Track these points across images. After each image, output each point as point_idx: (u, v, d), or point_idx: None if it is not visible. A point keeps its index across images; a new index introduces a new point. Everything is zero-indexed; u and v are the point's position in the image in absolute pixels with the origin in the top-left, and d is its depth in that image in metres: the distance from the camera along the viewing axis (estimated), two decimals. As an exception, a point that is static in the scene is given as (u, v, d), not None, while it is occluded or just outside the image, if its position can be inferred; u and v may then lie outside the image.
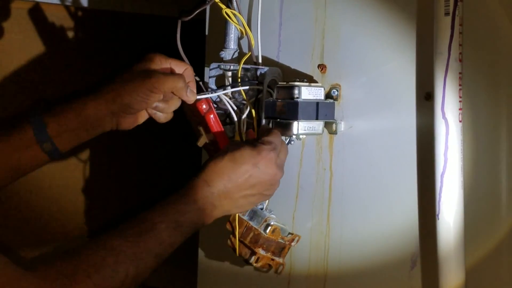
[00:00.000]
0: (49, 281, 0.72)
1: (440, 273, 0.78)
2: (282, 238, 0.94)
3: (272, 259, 0.94)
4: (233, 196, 0.86)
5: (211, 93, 0.94)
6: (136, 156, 1.60)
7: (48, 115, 0.88)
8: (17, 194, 1.34)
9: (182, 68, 0.91)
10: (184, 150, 1.23)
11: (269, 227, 0.93)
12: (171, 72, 0.90)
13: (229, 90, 0.93)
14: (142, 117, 0.93)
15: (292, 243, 0.95)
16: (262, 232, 0.93)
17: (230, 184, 0.85)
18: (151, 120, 0.94)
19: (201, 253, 1.12)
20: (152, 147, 1.62)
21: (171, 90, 0.88)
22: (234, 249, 0.96)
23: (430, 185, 0.80)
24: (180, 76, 0.89)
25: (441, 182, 0.77)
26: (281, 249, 0.94)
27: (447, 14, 0.76)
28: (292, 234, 0.96)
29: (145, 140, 1.56)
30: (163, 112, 0.92)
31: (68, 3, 1.42)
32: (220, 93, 0.93)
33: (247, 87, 0.92)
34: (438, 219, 0.78)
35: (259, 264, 0.94)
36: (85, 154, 1.47)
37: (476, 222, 0.81)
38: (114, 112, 0.89)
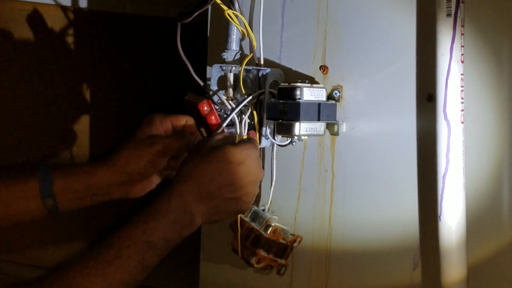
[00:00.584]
0: None
1: (442, 274, 0.78)
2: (284, 239, 0.94)
3: (274, 260, 0.94)
4: (213, 200, 0.78)
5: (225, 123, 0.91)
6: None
7: (56, 172, 0.88)
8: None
9: (182, 121, 0.92)
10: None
11: (270, 228, 0.93)
12: (173, 128, 0.92)
13: (238, 108, 0.91)
14: (154, 182, 0.93)
15: (294, 244, 0.95)
16: (263, 233, 0.93)
17: (212, 187, 0.77)
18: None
19: (203, 255, 1.12)
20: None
21: (178, 150, 0.89)
22: (237, 251, 0.96)
23: (432, 186, 0.80)
24: (182, 136, 0.90)
25: (443, 183, 0.77)
26: (283, 250, 0.94)
27: (449, 15, 0.76)
28: (293, 235, 0.96)
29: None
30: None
31: (68, 5, 1.42)
32: (232, 114, 0.91)
33: (251, 97, 0.92)
34: (440, 220, 0.78)
35: (260, 265, 0.94)
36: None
37: (478, 223, 0.81)
38: (124, 181, 0.89)
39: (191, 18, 0.92)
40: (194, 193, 0.77)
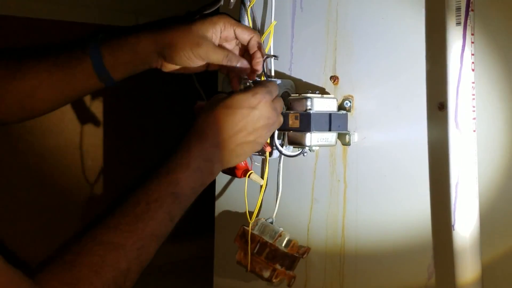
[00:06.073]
0: None
1: (457, 283, 0.77)
2: (297, 252, 0.94)
3: (286, 273, 0.94)
4: (230, 146, 0.82)
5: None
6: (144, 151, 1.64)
7: (105, 48, 0.90)
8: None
9: (247, 35, 0.91)
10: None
11: (290, 242, 0.93)
12: (235, 38, 0.91)
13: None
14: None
15: (304, 256, 0.94)
16: (280, 247, 0.92)
17: (226, 133, 0.81)
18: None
19: (216, 270, 1.12)
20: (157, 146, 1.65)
21: (218, 62, 0.89)
22: (244, 265, 0.95)
23: (444, 195, 0.79)
24: (228, 53, 0.89)
25: (456, 192, 0.77)
26: (292, 262, 0.94)
27: (458, 24, 0.75)
28: (303, 247, 0.95)
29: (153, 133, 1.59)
30: None
31: (81, 19, 1.43)
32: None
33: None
34: (454, 229, 0.77)
35: (277, 279, 0.93)
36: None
37: (492, 232, 0.80)
38: (160, 53, 0.90)
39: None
40: (210, 141, 0.81)
